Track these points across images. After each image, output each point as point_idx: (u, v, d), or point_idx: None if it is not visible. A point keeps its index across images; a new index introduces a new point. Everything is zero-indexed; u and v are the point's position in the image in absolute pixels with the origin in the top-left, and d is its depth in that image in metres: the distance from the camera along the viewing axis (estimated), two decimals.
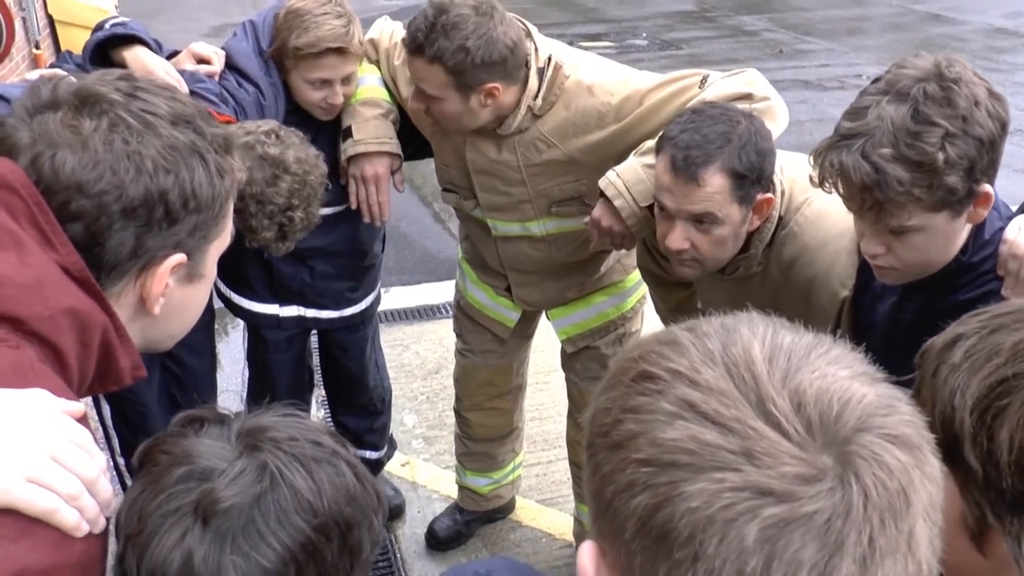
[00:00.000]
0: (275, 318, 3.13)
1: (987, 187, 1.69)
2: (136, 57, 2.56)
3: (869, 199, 1.68)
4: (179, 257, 1.15)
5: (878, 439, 0.67)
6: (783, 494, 0.64)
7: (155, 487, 1.01)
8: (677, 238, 2.18)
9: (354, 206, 2.86)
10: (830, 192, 1.75)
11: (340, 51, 2.69)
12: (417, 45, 2.43)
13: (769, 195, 2.14)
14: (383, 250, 3.31)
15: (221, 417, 1.08)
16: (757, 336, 0.73)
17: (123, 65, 2.56)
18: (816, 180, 1.75)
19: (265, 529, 0.99)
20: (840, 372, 0.70)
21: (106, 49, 2.57)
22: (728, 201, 2.10)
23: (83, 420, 1.02)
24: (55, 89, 1.11)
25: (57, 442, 0.96)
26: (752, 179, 2.08)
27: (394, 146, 2.82)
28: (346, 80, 2.76)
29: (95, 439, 1.03)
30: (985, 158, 1.64)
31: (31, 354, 1.02)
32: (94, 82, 1.13)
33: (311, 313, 3.16)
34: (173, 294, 1.18)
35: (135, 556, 0.99)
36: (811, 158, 1.76)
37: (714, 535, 0.64)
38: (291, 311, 3.14)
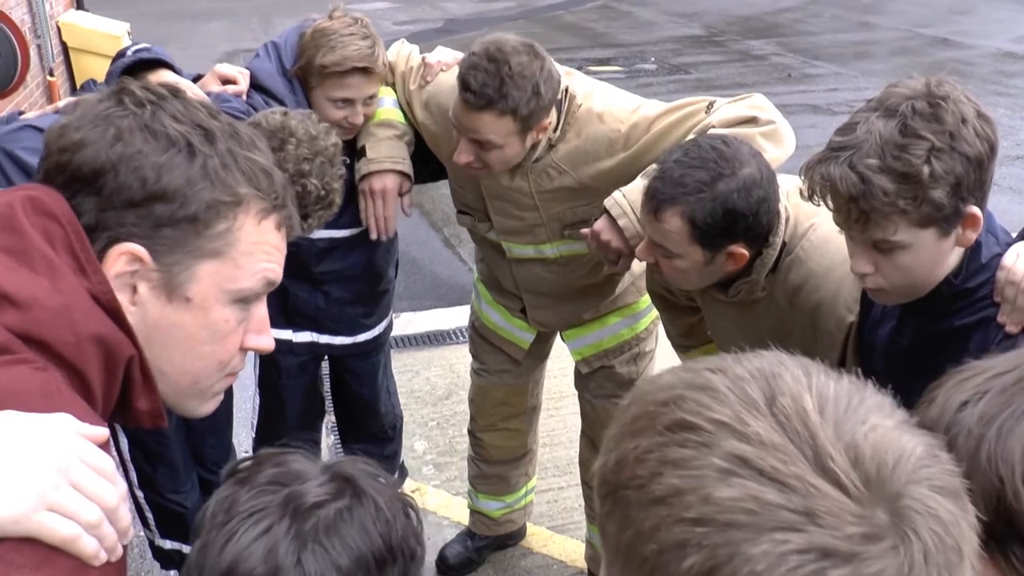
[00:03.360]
0: (288, 343, 3.13)
1: (974, 208, 1.71)
2: (162, 80, 2.58)
3: (855, 210, 1.70)
4: (135, 246, 1.08)
5: (929, 491, 0.66)
6: (848, 554, 0.62)
7: (246, 485, 1.09)
8: (643, 250, 2.27)
9: (364, 223, 2.87)
10: (818, 205, 1.78)
11: (365, 71, 2.72)
12: (487, 101, 2.42)
13: (742, 250, 2.13)
14: (396, 276, 3.32)
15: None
16: (803, 384, 0.70)
17: None
18: (806, 193, 1.78)
19: (347, 534, 1.07)
20: (887, 422, 0.69)
21: (132, 74, 2.59)
22: (685, 242, 2.12)
23: (105, 446, 1.02)
24: None
25: (77, 468, 0.95)
26: (713, 233, 2.08)
27: (406, 166, 2.84)
28: (368, 101, 2.79)
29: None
30: (972, 176, 1.66)
31: (57, 377, 1.01)
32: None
33: (324, 339, 3.16)
34: (148, 307, 1.11)
35: (220, 544, 1.05)
36: (801, 171, 1.79)
37: None
38: (304, 337, 3.14)
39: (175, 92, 1.15)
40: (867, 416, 0.69)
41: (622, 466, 0.72)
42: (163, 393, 1.17)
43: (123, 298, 1.09)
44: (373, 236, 2.88)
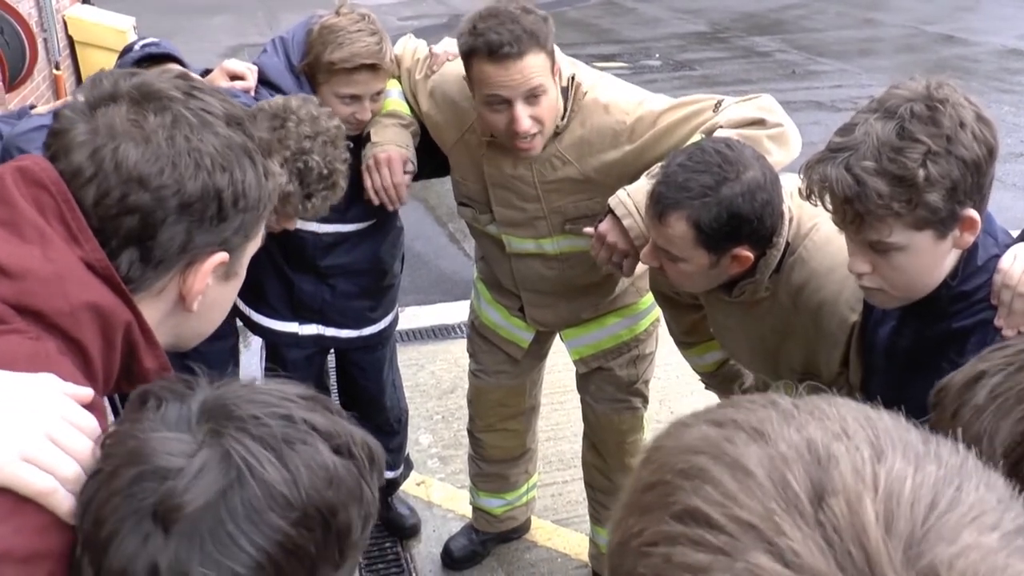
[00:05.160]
0: (294, 336, 3.16)
1: (972, 212, 1.70)
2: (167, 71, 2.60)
3: (850, 211, 1.71)
4: (223, 255, 1.17)
5: None
6: None
7: (108, 487, 0.90)
8: (648, 254, 2.26)
9: (371, 196, 2.82)
10: (816, 205, 1.78)
11: (373, 67, 2.73)
12: (521, 44, 2.40)
13: (746, 252, 2.13)
14: (401, 270, 3.34)
15: (180, 393, 0.97)
16: (865, 476, 0.52)
17: None
18: (804, 192, 1.79)
19: (236, 531, 0.87)
20: (987, 539, 0.49)
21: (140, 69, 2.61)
22: (690, 246, 2.11)
23: (93, 407, 1.01)
24: (116, 82, 1.13)
25: (57, 424, 0.94)
26: (718, 236, 2.08)
27: (410, 152, 2.84)
28: (375, 97, 2.80)
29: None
30: (969, 180, 1.66)
31: (51, 347, 1.02)
32: (154, 79, 1.15)
33: (330, 332, 3.18)
34: (209, 292, 1.20)
35: (93, 561, 0.89)
36: (800, 171, 1.80)
37: None
38: (310, 330, 3.16)
39: (189, 89, 1.16)
40: (958, 530, 0.49)
41: (624, 551, 0.58)
42: (170, 344, 1.22)
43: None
44: (389, 208, 2.84)
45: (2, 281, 1.01)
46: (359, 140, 2.87)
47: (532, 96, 2.48)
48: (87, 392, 1.01)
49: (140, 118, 1.09)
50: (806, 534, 0.49)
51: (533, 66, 2.44)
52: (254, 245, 1.25)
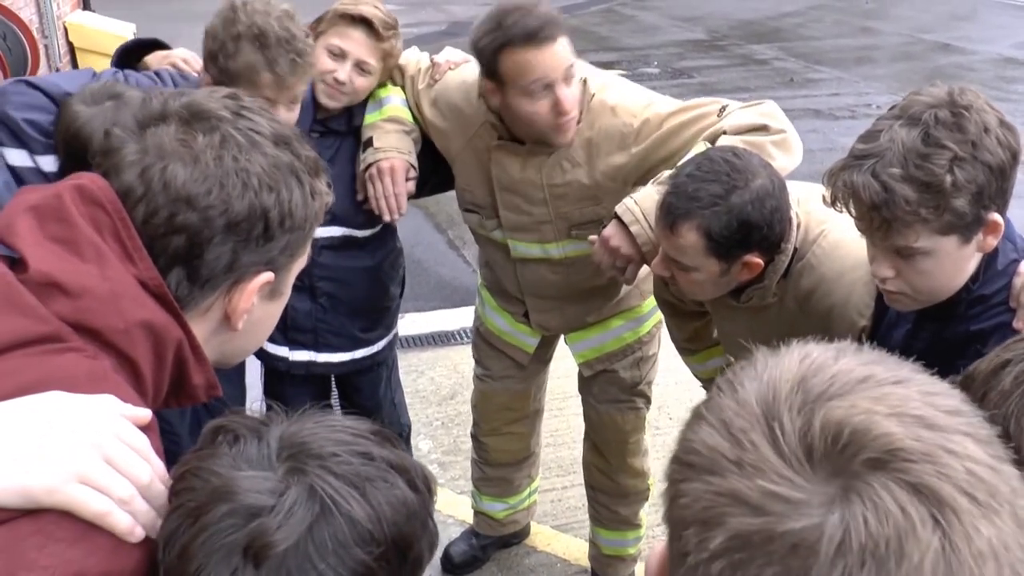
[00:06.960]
0: (284, 361, 3.11)
1: (996, 215, 1.73)
2: (155, 55, 2.68)
3: (877, 218, 1.72)
4: (268, 275, 1.18)
5: (891, 483, 0.62)
6: (758, 507, 0.64)
7: (196, 523, 0.93)
8: (659, 264, 2.28)
9: (371, 204, 2.84)
10: (841, 211, 1.80)
11: (371, 29, 2.75)
12: (553, 26, 2.45)
13: (756, 259, 2.15)
14: (402, 294, 3.28)
15: (256, 429, 1.01)
16: (812, 359, 0.72)
17: (146, 68, 2.67)
18: (828, 200, 1.80)
19: (324, 566, 0.92)
20: (878, 407, 0.66)
21: (129, 60, 2.69)
22: (701, 255, 2.13)
23: (148, 428, 1.03)
24: (166, 102, 1.15)
25: (112, 445, 0.96)
26: (728, 244, 2.10)
27: (412, 158, 2.85)
28: (361, 68, 2.79)
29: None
30: (994, 185, 1.69)
31: (107, 365, 1.04)
32: (203, 98, 1.17)
33: (322, 358, 3.12)
34: (255, 311, 1.21)
35: None
36: (824, 178, 1.81)
37: (693, 535, 0.67)
38: (301, 356, 3.11)
39: (237, 109, 1.17)
40: (857, 399, 0.67)
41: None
42: (215, 362, 1.23)
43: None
44: (387, 218, 2.85)
45: (61, 299, 1.02)
46: (358, 138, 2.89)
47: (568, 77, 2.52)
48: (146, 413, 1.03)
49: (189, 138, 1.11)
50: (752, 386, 0.72)
51: (565, 49, 2.49)
52: (300, 264, 1.25)
